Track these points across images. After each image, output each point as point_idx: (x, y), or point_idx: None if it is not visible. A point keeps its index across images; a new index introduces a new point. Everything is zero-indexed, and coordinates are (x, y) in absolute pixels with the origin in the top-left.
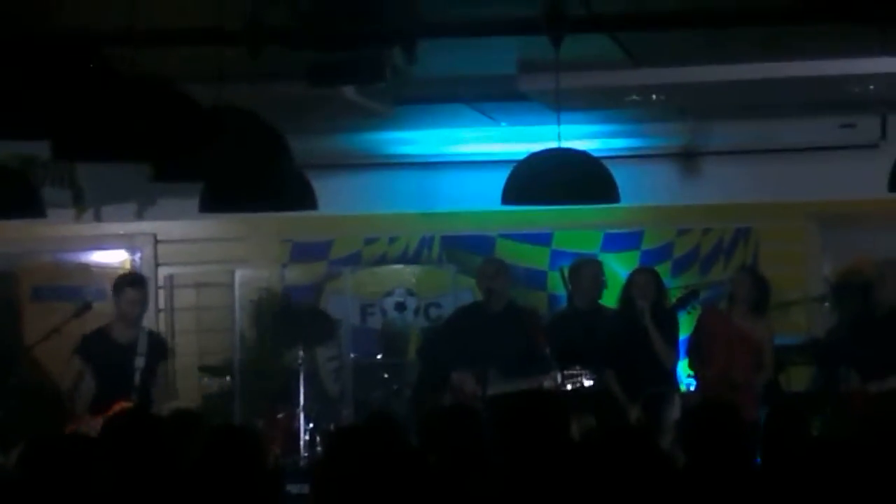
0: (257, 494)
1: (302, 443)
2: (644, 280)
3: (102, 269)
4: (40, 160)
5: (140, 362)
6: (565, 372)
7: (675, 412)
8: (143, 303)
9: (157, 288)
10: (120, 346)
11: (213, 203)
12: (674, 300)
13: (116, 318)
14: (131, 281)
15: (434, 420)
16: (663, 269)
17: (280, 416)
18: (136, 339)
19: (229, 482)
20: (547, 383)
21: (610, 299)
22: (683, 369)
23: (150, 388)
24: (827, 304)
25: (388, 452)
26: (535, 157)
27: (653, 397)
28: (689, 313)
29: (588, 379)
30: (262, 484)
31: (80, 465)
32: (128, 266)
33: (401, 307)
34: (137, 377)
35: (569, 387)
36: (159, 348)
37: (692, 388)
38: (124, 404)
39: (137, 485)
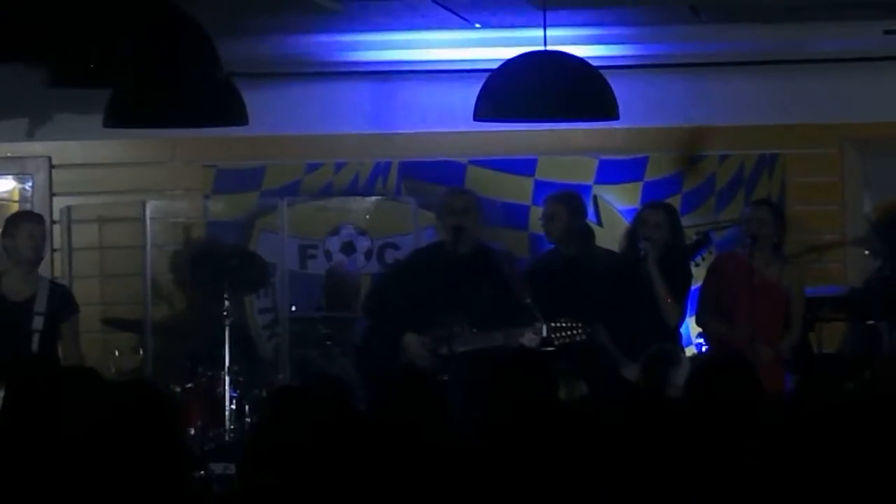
0: (170, 472)
1: (227, 413)
2: (655, 218)
3: None
4: None
5: (39, 323)
6: (552, 325)
7: (681, 375)
8: (41, 245)
9: (52, 223)
10: (11, 304)
11: (121, 117)
12: None
13: (9, 267)
14: (28, 217)
15: (383, 389)
16: None
17: (201, 380)
18: (33, 295)
19: (133, 454)
20: (529, 338)
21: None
22: (692, 327)
23: (52, 354)
24: (868, 249)
25: (334, 419)
26: (514, 65)
27: (655, 357)
28: (697, 265)
29: (580, 334)
30: (176, 459)
31: None
32: (16, 196)
33: (349, 249)
34: (36, 341)
35: (556, 343)
36: (64, 303)
37: (703, 350)
38: None
39: (24, 450)
